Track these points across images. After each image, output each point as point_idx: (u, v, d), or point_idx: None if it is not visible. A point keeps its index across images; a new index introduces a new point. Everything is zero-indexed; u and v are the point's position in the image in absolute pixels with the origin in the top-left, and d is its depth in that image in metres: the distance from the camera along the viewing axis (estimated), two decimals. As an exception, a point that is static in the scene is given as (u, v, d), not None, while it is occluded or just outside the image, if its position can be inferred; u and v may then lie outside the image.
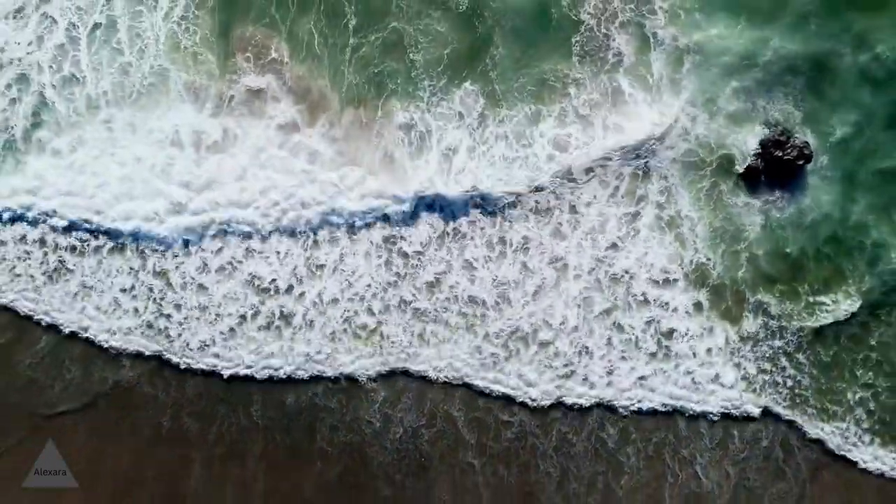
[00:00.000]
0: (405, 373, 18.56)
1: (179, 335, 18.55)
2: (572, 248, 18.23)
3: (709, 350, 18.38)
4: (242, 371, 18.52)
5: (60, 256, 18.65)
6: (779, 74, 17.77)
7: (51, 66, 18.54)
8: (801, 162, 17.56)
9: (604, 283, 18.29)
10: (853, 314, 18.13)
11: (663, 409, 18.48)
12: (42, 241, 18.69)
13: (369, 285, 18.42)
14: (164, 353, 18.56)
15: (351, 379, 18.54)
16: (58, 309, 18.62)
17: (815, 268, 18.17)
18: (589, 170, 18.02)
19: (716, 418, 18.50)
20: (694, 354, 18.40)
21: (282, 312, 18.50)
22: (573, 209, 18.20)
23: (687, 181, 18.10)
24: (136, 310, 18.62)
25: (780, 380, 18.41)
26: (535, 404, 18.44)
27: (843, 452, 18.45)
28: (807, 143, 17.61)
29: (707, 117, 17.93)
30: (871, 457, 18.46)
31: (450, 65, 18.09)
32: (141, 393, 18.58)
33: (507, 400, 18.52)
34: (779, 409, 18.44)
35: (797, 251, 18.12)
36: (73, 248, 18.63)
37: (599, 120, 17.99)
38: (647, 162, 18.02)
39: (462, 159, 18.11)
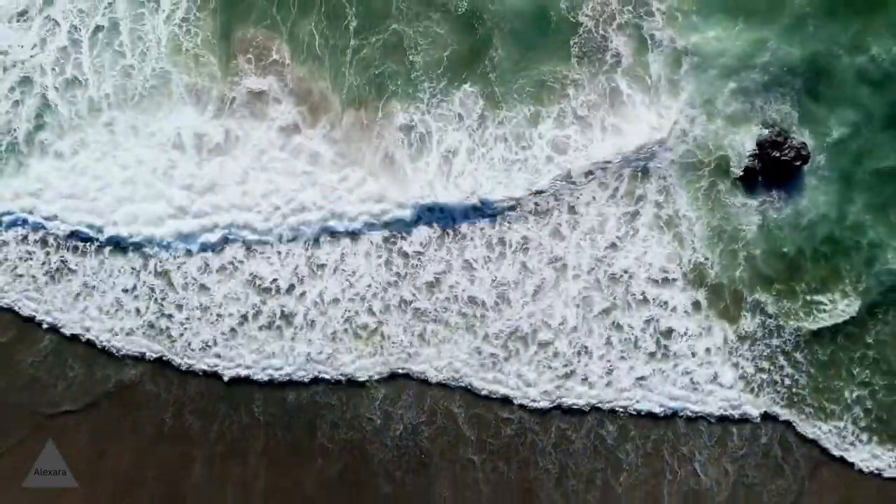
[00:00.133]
0: (406, 375, 18.65)
1: (181, 335, 18.62)
2: (571, 248, 18.29)
3: (707, 350, 18.44)
4: (243, 372, 18.58)
5: (62, 256, 18.71)
6: (776, 76, 17.80)
7: (53, 69, 18.54)
8: (798, 163, 17.60)
9: (603, 282, 18.35)
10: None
11: (662, 415, 18.55)
12: (44, 241, 18.73)
13: (370, 285, 18.50)
14: (166, 353, 18.63)
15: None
16: (59, 309, 18.67)
17: (813, 267, 18.22)
18: (588, 173, 18.08)
19: (714, 420, 18.64)
20: (693, 354, 18.46)
21: (283, 312, 18.56)
22: (572, 209, 18.25)
23: (685, 181, 18.15)
24: (138, 310, 18.69)
25: (777, 378, 18.47)
26: (535, 405, 18.51)
27: (840, 453, 18.51)
28: (804, 143, 17.64)
29: (705, 118, 17.96)
30: (869, 455, 18.52)
31: (449, 66, 18.11)
32: (143, 391, 18.65)
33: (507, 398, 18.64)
34: (777, 409, 18.51)
35: (794, 251, 18.18)
36: (76, 248, 18.69)
37: (598, 121, 18.03)
38: (645, 163, 18.09)
39: (462, 161, 18.16)
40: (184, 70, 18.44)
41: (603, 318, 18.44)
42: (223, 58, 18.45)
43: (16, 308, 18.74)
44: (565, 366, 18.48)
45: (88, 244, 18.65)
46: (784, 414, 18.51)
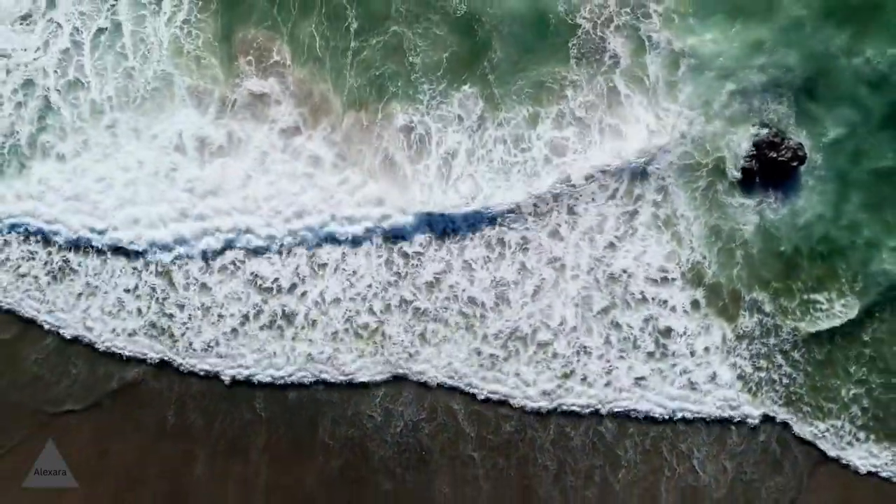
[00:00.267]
0: (406, 378, 18.72)
1: (183, 335, 18.71)
2: (570, 248, 18.37)
3: (706, 349, 18.52)
4: (244, 373, 18.66)
5: (65, 256, 18.81)
6: (773, 77, 17.81)
7: (56, 71, 18.61)
8: (795, 163, 17.64)
9: (602, 282, 18.43)
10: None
11: (661, 418, 18.62)
12: (46, 241, 18.81)
13: (370, 285, 18.60)
14: (168, 354, 18.71)
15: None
16: (61, 309, 18.75)
17: (809, 266, 18.28)
18: (588, 176, 18.09)
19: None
20: (692, 353, 18.53)
21: (284, 311, 18.65)
22: (571, 210, 18.32)
23: (683, 181, 18.20)
24: (140, 310, 18.77)
25: (775, 377, 18.55)
26: (535, 406, 18.60)
27: (836, 453, 18.57)
28: (801, 144, 17.69)
29: (703, 120, 17.99)
30: (867, 453, 18.59)
31: (449, 68, 18.17)
32: (147, 388, 18.74)
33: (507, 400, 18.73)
34: (774, 409, 18.57)
35: (791, 250, 18.25)
36: (77, 248, 18.76)
37: (596, 122, 18.08)
38: (644, 165, 18.11)
39: (461, 163, 18.24)
40: (185, 72, 18.50)
41: (602, 317, 18.51)
42: (224, 59, 18.49)
43: (18, 310, 18.80)
44: (565, 365, 18.55)
45: (90, 244, 18.72)
46: (781, 414, 18.57)
